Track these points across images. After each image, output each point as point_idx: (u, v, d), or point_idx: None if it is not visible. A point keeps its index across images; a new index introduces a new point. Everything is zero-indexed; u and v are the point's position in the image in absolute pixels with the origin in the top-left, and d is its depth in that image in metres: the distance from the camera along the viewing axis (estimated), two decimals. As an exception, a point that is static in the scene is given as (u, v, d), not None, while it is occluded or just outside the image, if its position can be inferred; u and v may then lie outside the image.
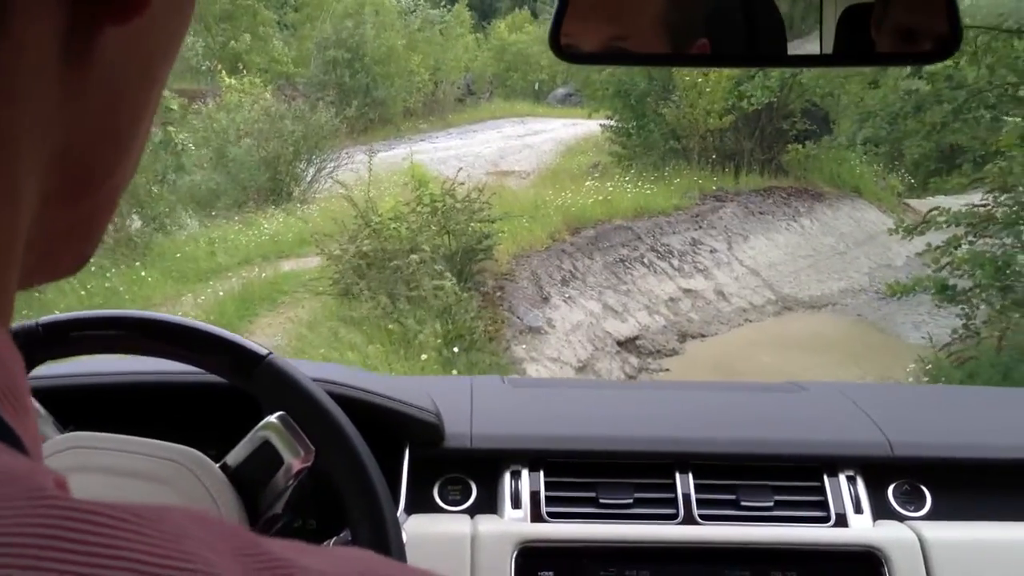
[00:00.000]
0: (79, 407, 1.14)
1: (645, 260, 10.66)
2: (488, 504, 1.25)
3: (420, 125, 23.27)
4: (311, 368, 1.02)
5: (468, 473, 1.27)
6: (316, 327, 7.34)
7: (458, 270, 7.71)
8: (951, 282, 6.94)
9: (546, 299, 8.69)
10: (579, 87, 21.90)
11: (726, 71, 11.70)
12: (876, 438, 1.32)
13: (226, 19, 21.78)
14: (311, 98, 17.53)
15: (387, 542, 0.89)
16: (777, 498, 1.25)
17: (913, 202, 16.95)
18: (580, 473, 1.27)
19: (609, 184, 12.13)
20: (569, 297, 9.05)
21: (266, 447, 0.95)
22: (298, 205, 12.52)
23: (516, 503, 1.23)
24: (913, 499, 1.28)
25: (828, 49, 0.95)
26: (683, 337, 9.60)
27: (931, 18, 0.90)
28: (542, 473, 1.26)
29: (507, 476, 1.25)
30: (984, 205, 6.65)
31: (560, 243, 9.95)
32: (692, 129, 13.27)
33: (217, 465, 0.96)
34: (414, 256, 7.07)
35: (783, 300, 11.12)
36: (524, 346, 7.79)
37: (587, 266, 9.89)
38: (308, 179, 13.72)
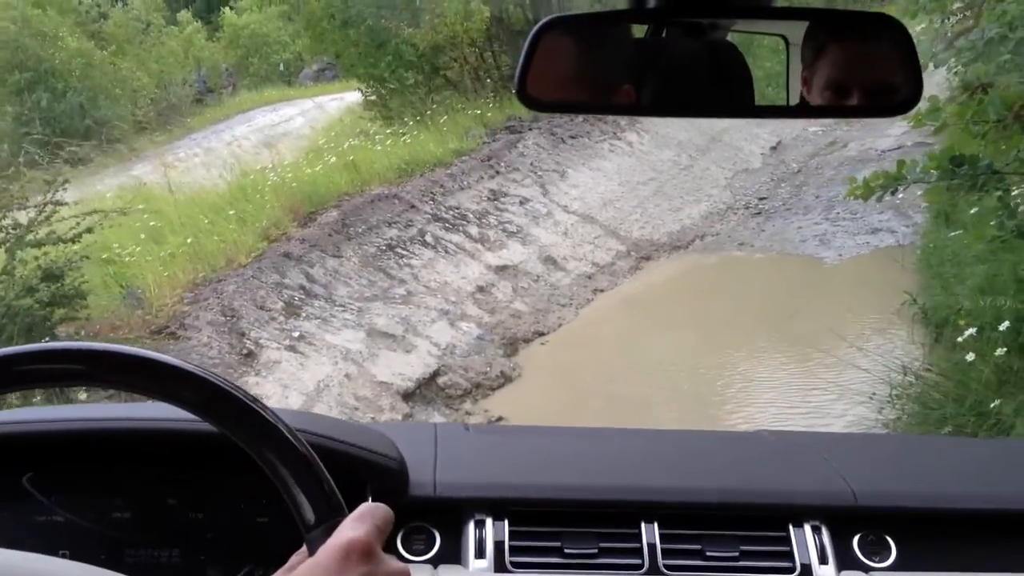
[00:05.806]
0: (37, 455, 1.17)
1: (428, 238, 7.01)
2: (452, 554, 1.24)
3: (156, 138, 21.17)
4: None
5: (432, 522, 1.25)
6: None
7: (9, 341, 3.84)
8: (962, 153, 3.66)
9: (250, 355, 4.90)
10: (331, 56, 19.26)
11: None
12: (840, 488, 1.32)
13: None
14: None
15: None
16: (743, 548, 1.25)
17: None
18: (545, 522, 1.26)
19: (353, 141, 8.41)
20: (300, 336, 5.29)
21: None
22: None
23: (480, 553, 1.23)
24: (878, 549, 1.27)
25: (795, 100, 1.06)
26: (512, 346, 6.01)
27: (894, 76, 0.99)
28: (507, 522, 1.25)
29: (471, 525, 1.24)
30: None
31: (281, 243, 6.15)
32: (455, 49, 9.91)
33: None
34: None
35: (636, 248, 7.79)
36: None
37: (332, 270, 6.13)
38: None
